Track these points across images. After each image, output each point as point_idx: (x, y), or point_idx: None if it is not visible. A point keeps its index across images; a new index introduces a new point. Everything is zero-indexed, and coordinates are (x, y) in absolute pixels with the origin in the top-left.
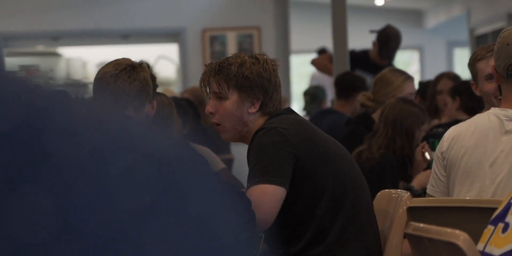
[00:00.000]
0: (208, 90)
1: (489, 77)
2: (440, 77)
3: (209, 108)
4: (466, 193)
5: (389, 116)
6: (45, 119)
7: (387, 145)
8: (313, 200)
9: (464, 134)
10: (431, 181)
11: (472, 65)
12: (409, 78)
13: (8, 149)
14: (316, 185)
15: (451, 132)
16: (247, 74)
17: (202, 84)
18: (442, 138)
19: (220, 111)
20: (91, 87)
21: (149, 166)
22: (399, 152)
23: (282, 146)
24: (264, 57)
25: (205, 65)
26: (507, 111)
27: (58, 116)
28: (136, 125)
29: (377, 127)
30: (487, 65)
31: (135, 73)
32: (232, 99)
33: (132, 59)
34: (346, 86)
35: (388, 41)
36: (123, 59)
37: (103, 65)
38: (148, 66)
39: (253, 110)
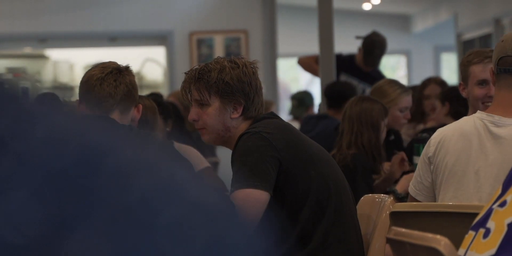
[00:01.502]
0: (189, 97)
1: (481, 83)
2: (428, 82)
3: (192, 115)
4: (451, 200)
5: (352, 113)
6: (101, 160)
7: (355, 141)
8: (297, 204)
9: (449, 139)
10: (413, 182)
11: (466, 66)
12: (406, 91)
13: (63, 188)
14: (300, 190)
15: (437, 135)
16: (227, 80)
17: (183, 92)
18: (429, 141)
19: (203, 117)
20: (77, 90)
21: (196, 215)
22: (367, 145)
23: (266, 150)
24: (243, 60)
25: (185, 73)
26: (493, 116)
27: (113, 159)
28: (181, 170)
29: (342, 127)
30: (482, 71)
31: (121, 77)
32: (214, 106)
33: (119, 62)
34: (337, 97)
35: (373, 48)
36: (109, 62)
37: (90, 68)
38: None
39: (235, 115)
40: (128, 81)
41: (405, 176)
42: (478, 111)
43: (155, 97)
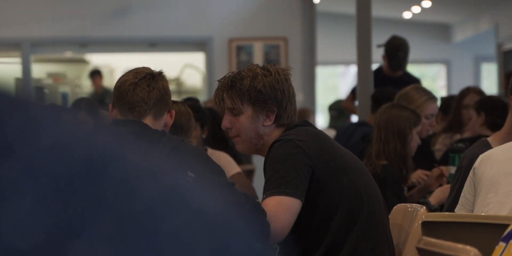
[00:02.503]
0: (223, 105)
1: None
2: (467, 91)
3: (225, 123)
4: (491, 200)
5: (381, 121)
6: (106, 167)
7: (383, 149)
8: (328, 212)
9: (496, 152)
10: (461, 200)
11: None
12: (432, 98)
13: (69, 195)
14: (332, 198)
15: (485, 152)
16: (260, 88)
17: (217, 100)
18: (479, 157)
19: (236, 125)
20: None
21: (199, 224)
22: (393, 154)
23: (298, 158)
24: (276, 67)
25: (218, 80)
26: None
27: (118, 166)
28: (185, 179)
29: (373, 135)
30: None
31: (154, 82)
32: (247, 114)
33: (158, 68)
34: (383, 101)
35: (396, 51)
36: (143, 68)
37: (124, 73)
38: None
39: (268, 122)
40: (161, 86)
41: (439, 188)
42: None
43: (192, 102)
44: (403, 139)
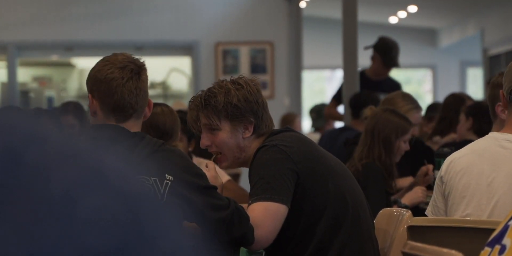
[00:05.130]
0: (199, 124)
1: None
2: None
3: (204, 141)
4: (463, 213)
5: (369, 126)
6: (21, 154)
7: (367, 154)
8: (313, 217)
9: (460, 157)
10: (430, 208)
11: (497, 87)
12: (416, 108)
13: None
14: (317, 203)
15: (450, 156)
16: (235, 102)
17: (192, 121)
18: (443, 163)
19: (216, 142)
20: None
21: (119, 206)
22: (377, 161)
23: (284, 163)
24: (244, 80)
25: (190, 101)
26: (506, 134)
27: (34, 152)
28: (109, 160)
29: (359, 138)
30: None
31: (140, 82)
32: (225, 129)
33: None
34: (360, 106)
35: (389, 49)
36: (125, 57)
37: (103, 60)
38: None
39: (247, 134)
40: (145, 84)
41: (414, 189)
42: (491, 132)
43: (181, 114)
44: (388, 147)
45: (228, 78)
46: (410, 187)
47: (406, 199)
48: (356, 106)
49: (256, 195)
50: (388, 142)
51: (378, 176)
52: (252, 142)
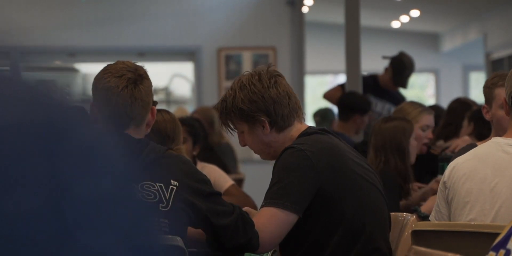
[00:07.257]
0: (229, 128)
1: None
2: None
3: (240, 143)
4: (466, 218)
5: (378, 142)
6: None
7: (383, 168)
8: (329, 229)
9: (463, 162)
10: (433, 213)
11: (490, 89)
12: (425, 110)
13: None
14: (334, 215)
15: (453, 162)
16: (240, 106)
17: (223, 126)
18: (446, 168)
19: (247, 142)
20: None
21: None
22: (394, 171)
23: (306, 171)
24: (247, 77)
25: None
26: (509, 140)
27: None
28: (108, 143)
29: (368, 156)
30: None
31: (136, 91)
32: (246, 131)
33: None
34: (345, 107)
35: (404, 69)
36: (125, 66)
37: (103, 70)
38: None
39: (267, 131)
40: (144, 94)
41: (431, 197)
42: (493, 137)
43: (191, 121)
44: (402, 154)
45: (230, 81)
46: (422, 196)
47: (426, 207)
48: (345, 106)
49: (270, 198)
50: (401, 149)
51: (392, 185)
52: (276, 136)
